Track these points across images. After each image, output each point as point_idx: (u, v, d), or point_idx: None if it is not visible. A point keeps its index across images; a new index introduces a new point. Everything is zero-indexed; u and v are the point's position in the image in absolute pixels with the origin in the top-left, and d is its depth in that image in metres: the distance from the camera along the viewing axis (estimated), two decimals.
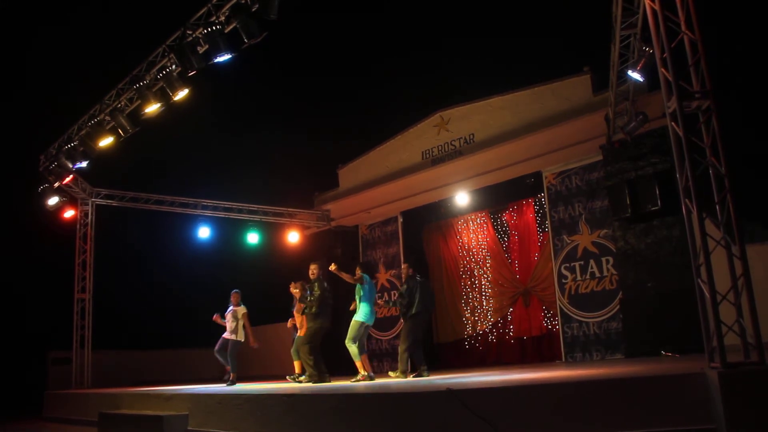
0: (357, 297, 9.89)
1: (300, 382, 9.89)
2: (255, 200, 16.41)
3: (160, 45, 9.49)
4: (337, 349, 10.31)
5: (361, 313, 9.69)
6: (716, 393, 4.36)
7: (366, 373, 9.58)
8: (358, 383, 9.18)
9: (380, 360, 14.95)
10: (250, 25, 8.11)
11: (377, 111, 21.56)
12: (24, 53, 20.44)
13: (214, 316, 11.38)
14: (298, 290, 10.36)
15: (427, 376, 9.46)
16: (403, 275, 10.32)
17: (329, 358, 10.37)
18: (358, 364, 9.65)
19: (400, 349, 9.88)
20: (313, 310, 9.43)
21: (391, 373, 9.97)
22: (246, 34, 8.15)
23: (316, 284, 9.61)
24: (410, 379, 9.25)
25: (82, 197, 14.20)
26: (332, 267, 9.74)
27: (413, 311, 9.76)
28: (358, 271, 9.89)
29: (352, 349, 9.64)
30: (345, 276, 9.82)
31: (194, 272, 20.74)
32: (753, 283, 4.74)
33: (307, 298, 9.61)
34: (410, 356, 9.76)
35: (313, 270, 9.79)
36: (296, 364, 10.40)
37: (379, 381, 9.17)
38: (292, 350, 10.33)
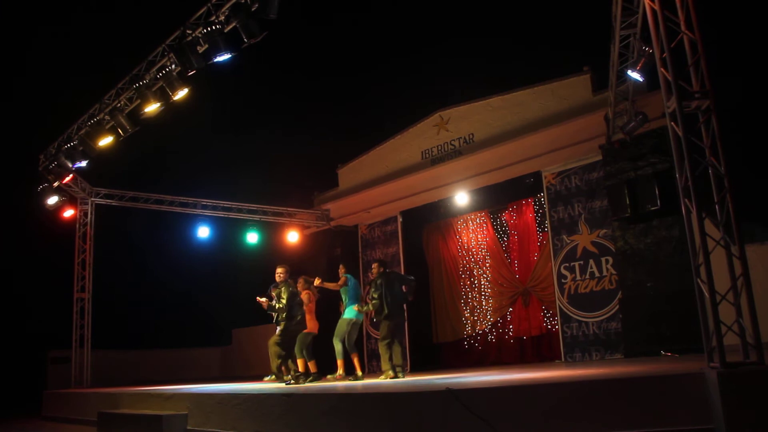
0: (343, 297, 9.95)
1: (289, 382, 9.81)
2: (254, 200, 16.41)
3: (160, 44, 9.48)
4: (330, 349, 10.26)
5: (349, 311, 9.77)
6: (715, 393, 4.37)
7: (342, 373, 9.80)
8: (339, 382, 9.22)
9: (379, 360, 14.92)
10: (250, 25, 8.11)
11: (377, 110, 21.59)
12: (24, 53, 20.45)
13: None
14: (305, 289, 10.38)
15: (403, 377, 9.32)
16: (372, 275, 10.01)
17: (323, 359, 10.40)
18: (340, 362, 9.88)
19: (380, 349, 9.64)
20: (284, 315, 9.18)
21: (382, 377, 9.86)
22: (246, 34, 8.15)
23: (283, 288, 9.31)
24: (400, 378, 9.21)
25: (81, 196, 14.19)
26: (317, 281, 9.82)
27: (385, 313, 9.46)
28: (342, 272, 9.96)
29: (338, 346, 9.83)
30: (330, 285, 9.93)
31: (194, 272, 20.77)
32: (752, 283, 4.74)
33: (274, 306, 9.32)
34: (390, 352, 9.58)
35: (279, 273, 9.42)
36: (310, 364, 10.39)
37: (373, 381, 9.18)
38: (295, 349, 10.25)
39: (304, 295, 10.11)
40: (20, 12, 20.06)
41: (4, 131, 18.48)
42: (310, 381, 9.75)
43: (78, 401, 11.36)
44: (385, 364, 9.54)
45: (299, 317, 9.44)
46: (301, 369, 9.91)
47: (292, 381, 9.24)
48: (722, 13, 11.61)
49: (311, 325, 10.22)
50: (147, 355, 19.86)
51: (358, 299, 10.00)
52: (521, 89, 13.57)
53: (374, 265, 9.99)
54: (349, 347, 10.00)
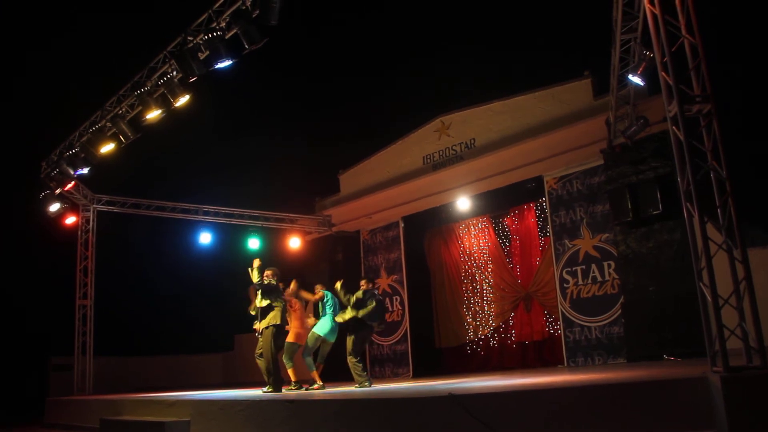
0: (320, 310, 9.86)
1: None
2: (256, 206, 16.42)
3: (161, 51, 9.50)
4: (336, 356, 10.20)
5: (320, 327, 9.65)
6: (718, 397, 4.35)
7: (321, 383, 9.60)
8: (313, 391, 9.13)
9: (381, 365, 14.94)
10: (251, 31, 8.13)
11: (378, 116, 21.58)
12: (25, 59, 20.49)
13: None
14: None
15: (370, 386, 9.17)
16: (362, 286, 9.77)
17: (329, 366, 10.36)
18: (314, 374, 9.68)
19: (350, 361, 9.35)
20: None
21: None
22: (247, 40, 8.17)
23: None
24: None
25: (83, 203, 14.21)
26: (292, 286, 9.78)
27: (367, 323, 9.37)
28: (318, 288, 9.93)
29: (307, 360, 9.65)
30: (307, 296, 9.84)
31: (195, 278, 20.73)
32: (755, 287, 4.73)
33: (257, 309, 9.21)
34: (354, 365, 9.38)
35: (267, 275, 9.38)
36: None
37: (379, 387, 9.15)
38: (284, 358, 10.12)
39: (291, 297, 10.04)
40: (22, 19, 20.13)
41: (6, 138, 18.50)
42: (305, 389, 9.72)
43: (80, 408, 11.35)
44: (359, 377, 9.32)
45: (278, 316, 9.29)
46: (293, 378, 9.82)
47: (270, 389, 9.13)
48: (725, 13, 11.63)
49: (300, 333, 10.02)
50: (149, 361, 19.84)
51: (334, 315, 9.77)
52: (522, 94, 13.58)
53: (363, 282, 9.76)
54: (320, 359, 9.85)
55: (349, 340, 9.40)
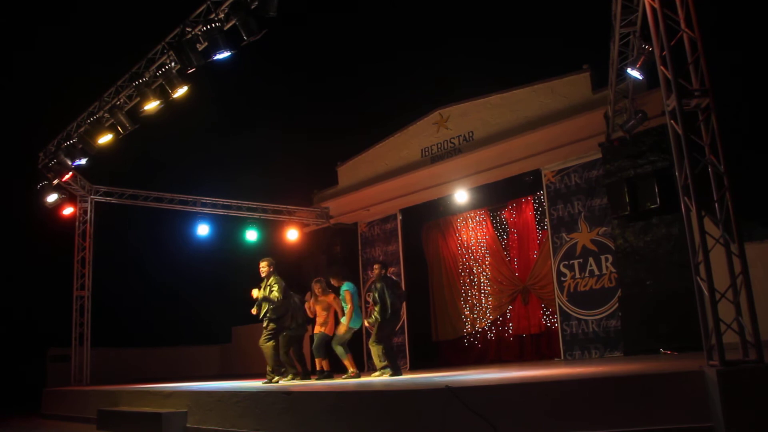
0: (344, 305, 10.05)
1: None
2: (254, 197, 16.41)
3: (160, 42, 9.48)
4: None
5: (355, 321, 10.03)
6: (715, 391, 4.37)
7: (355, 370, 9.99)
8: (350, 380, 9.29)
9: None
10: (250, 23, 8.11)
11: (377, 108, 21.57)
12: (24, 50, 20.44)
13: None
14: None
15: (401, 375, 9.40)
16: (374, 276, 9.95)
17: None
18: (347, 362, 10.06)
19: (375, 350, 9.62)
20: (275, 309, 9.20)
21: (373, 375, 9.94)
22: (245, 32, 8.15)
23: (273, 279, 9.26)
24: (386, 377, 9.27)
25: (81, 194, 14.17)
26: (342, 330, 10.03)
27: (388, 313, 9.47)
28: (335, 285, 10.29)
29: (339, 350, 10.06)
30: (346, 318, 9.99)
31: (193, 269, 20.77)
32: (752, 281, 4.74)
33: (264, 299, 9.30)
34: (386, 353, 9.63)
35: (263, 267, 9.40)
36: (324, 363, 10.56)
37: (372, 379, 9.20)
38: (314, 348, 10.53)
39: (329, 298, 10.44)
40: (20, 10, 20.06)
41: (4, 129, 18.48)
42: (326, 378, 9.97)
43: (78, 399, 11.37)
44: (380, 363, 9.60)
45: (300, 319, 9.58)
46: (317, 367, 10.36)
47: (275, 378, 9.21)
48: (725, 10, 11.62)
49: (332, 326, 10.40)
50: (146, 353, 19.88)
51: (360, 308, 10.15)
52: (521, 87, 13.55)
53: (376, 266, 9.94)
54: (345, 350, 10.19)
55: (380, 328, 9.62)
